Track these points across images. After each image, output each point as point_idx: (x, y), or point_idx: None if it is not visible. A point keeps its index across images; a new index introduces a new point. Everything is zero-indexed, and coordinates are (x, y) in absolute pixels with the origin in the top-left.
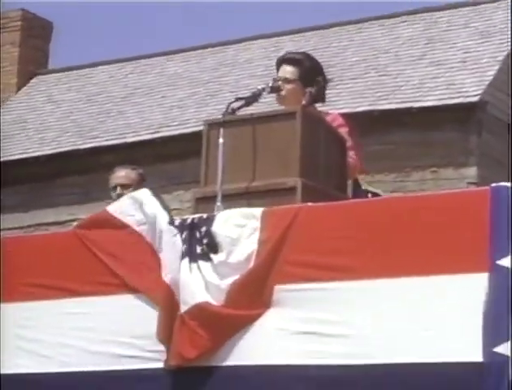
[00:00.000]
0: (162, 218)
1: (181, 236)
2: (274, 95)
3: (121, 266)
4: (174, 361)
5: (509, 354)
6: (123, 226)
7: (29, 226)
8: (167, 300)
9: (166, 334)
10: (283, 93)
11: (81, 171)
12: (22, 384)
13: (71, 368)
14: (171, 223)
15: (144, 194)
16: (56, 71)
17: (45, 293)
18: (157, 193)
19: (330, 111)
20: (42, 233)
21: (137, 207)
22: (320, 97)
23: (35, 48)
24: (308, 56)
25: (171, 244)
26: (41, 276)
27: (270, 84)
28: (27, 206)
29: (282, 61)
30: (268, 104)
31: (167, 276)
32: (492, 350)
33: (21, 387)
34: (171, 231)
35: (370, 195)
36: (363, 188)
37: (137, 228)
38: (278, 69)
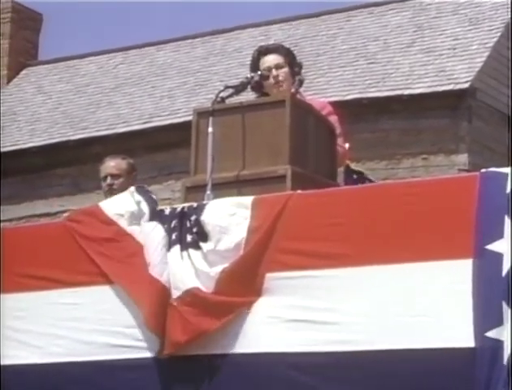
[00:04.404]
0: (145, 213)
1: (170, 224)
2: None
3: (107, 261)
4: (167, 350)
5: (502, 339)
6: (111, 222)
7: (21, 218)
8: (156, 292)
9: (157, 324)
10: (280, 78)
11: (72, 162)
12: (14, 375)
13: (62, 358)
14: (154, 216)
15: (137, 193)
16: (46, 62)
17: (36, 284)
18: (142, 188)
19: (319, 99)
20: (32, 224)
21: (130, 205)
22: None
23: (25, 39)
24: (281, 45)
25: (151, 238)
26: (32, 267)
27: (259, 73)
28: (18, 198)
29: (260, 54)
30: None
31: (153, 270)
32: (485, 335)
33: (13, 378)
34: (150, 225)
35: (367, 181)
36: (355, 176)
37: (128, 228)
38: (256, 64)
